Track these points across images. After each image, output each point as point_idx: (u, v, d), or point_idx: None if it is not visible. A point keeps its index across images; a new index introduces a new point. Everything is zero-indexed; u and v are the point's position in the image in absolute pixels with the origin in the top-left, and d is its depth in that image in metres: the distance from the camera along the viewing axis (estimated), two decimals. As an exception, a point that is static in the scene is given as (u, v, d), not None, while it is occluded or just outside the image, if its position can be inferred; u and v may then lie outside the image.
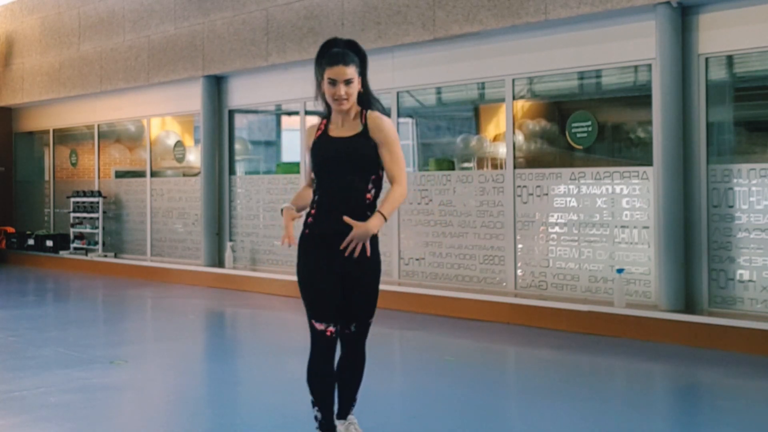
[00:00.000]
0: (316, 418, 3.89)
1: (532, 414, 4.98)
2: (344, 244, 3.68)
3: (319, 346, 3.80)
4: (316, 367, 3.83)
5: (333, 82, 3.73)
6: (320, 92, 3.85)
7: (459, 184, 9.05)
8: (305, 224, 3.85)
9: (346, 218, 3.68)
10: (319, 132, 3.88)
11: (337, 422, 4.05)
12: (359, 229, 3.66)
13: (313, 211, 3.84)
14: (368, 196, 3.79)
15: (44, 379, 5.77)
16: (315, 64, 3.83)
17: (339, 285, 3.81)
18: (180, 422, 4.90)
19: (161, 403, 5.43)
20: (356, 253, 3.69)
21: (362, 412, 4.44)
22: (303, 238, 3.85)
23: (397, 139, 3.85)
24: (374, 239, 3.85)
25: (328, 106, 3.88)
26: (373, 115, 3.83)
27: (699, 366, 6.35)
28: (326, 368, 3.83)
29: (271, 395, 5.45)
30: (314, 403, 3.88)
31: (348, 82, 3.73)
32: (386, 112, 3.93)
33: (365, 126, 3.80)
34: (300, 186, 4.09)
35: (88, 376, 5.86)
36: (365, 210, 3.77)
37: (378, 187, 3.85)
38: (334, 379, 3.90)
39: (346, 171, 3.76)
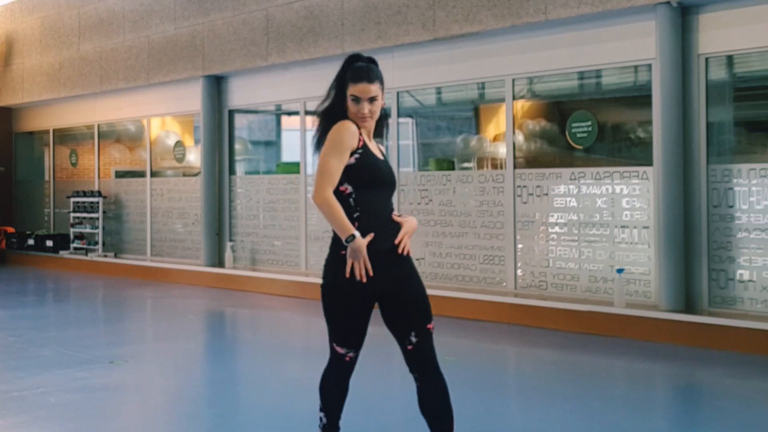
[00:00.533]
0: (320, 419, 3.81)
1: (532, 414, 4.98)
2: (399, 239, 3.60)
3: (337, 366, 3.72)
4: (331, 380, 3.75)
5: (357, 100, 3.61)
6: (334, 101, 3.70)
7: (459, 184, 9.05)
8: (340, 244, 3.56)
9: (395, 216, 3.66)
10: (361, 143, 3.62)
11: None
12: (409, 223, 3.66)
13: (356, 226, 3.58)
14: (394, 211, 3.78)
15: (44, 379, 5.77)
16: (337, 76, 3.71)
17: (371, 311, 3.67)
18: (180, 422, 4.91)
19: (161, 403, 5.42)
20: (407, 249, 3.62)
21: (362, 414, 4.44)
22: (339, 258, 3.57)
23: None
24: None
25: (337, 112, 3.71)
26: (381, 146, 3.84)
27: (699, 366, 6.35)
28: (341, 382, 3.75)
29: (271, 395, 5.45)
30: (322, 409, 3.80)
31: (372, 99, 3.62)
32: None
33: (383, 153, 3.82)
34: (330, 196, 3.54)
35: (88, 376, 5.86)
36: (397, 225, 3.69)
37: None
38: (347, 390, 3.79)
39: (390, 193, 3.72)
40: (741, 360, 6.39)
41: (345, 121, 3.61)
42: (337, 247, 3.59)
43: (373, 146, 3.72)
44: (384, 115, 3.82)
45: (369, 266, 3.50)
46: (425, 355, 3.63)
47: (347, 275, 3.52)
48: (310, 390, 4.85)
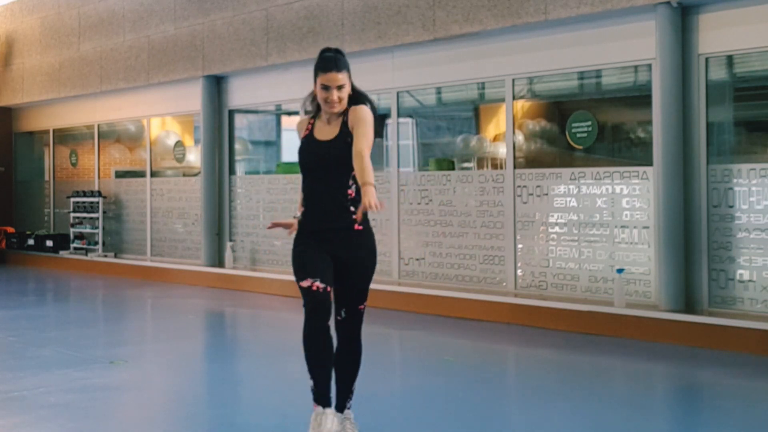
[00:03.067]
0: (311, 388, 3.90)
1: (532, 414, 4.98)
2: (359, 216, 3.79)
3: (309, 307, 3.80)
4: (307, 333, 3.81)
5: (326, 88, 3.97)
6: (312, 94, 4.12)
7: (459, 184, 9.05)
8: (299, 221, 4.12)
9: (356, 216, 3.86)
10: (307, 132, 4.11)
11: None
12: (365, 198, 3.70)
13: (303, 209, 4.10)
14: (350, 192, 3.99)
15: (44, 379, 5.77)
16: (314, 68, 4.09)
17: (328, 258, 3.95)
18: (180, 422, 4.90)
19: (161, 403, 5.43)
20: (379, 207, 3.67)
21: (362, 413, 4.44)
22: (298, 230, 4.11)
23: (370, 123, 3.94)
24: (369, 233, 4.05)
25: (318, 105, 4.12)
26: (353, 107, 4.01)
27: (699, 366, 6.35)
28: (318, 334, 3.79)
29: (271, 395, 5.45)
30: (309, 372, 3.86)
31: (340, 87, 3.97)
32: (374, 107, 4.12)
33: (345, 121, 4.01)
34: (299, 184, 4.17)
35: (88, 376, 5.86)
36: (348, 206, 3.97)
37: (357, 184, 3.90)
38: (327, 346, 3.84)
39: (327, 172, 3.99)
40: (741, 360, 6.39)
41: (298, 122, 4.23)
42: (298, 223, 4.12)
43: (323, 129, 4.04)
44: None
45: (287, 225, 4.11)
46: (350, 329, 4.05)
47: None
48: (310, 390, 4.84)
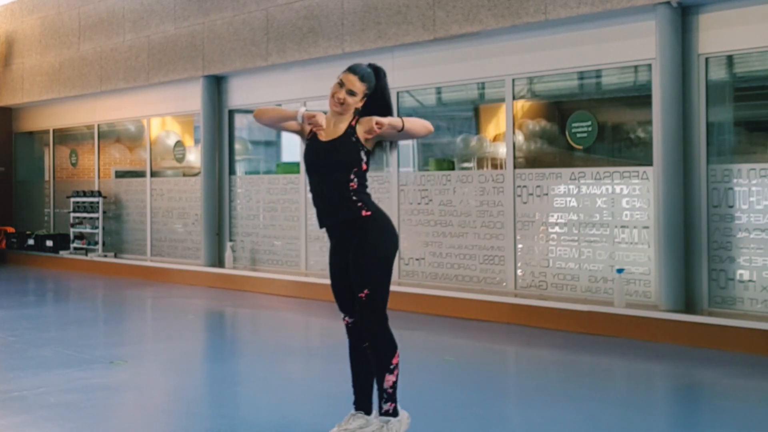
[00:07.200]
0: None
1: (532, 414, 4.98)
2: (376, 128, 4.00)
3: (347, 333, 4.35)
4: (349, 351, 4.38)
5: (340, 85, 4.11)
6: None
7: (459, 184, 9.05)
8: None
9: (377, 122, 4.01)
10: (311, 134, 4.21)
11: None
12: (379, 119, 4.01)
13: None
14: (351, 185, 4.11)
15: (44, 379, 5.77)
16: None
17: (345, 280, 4.20)
18: (180, 422, 4.91)
19: (161, 403, 5.43)
20: (379, 127, 3.99)
21: (362, 412, 4.44)
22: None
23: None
24: (378, 220, 4.13)
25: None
26: (362, 119, 4.16)
27: (699, 366, 6.35)
28: (352, 354, 4.36)
29: (271, 395, 5.45)
30: None
31: (351, 92, 4.07)
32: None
33: (353, 127, 4.13)
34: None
35: (88, 376, 5.86)
36: (350, 196, 4.10)
37: (360, 177, 4.14)
38: (359, 364, 4.33)
39: (329, 171, 4.12)
40: (741, 360, 6.39)
41: None
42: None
43: (327, 131, 4.13)
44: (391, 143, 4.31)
45: (322, 120, 4.04)
46: (362, 319, 4.14)
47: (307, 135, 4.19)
48: (310, 390, 4.86)
